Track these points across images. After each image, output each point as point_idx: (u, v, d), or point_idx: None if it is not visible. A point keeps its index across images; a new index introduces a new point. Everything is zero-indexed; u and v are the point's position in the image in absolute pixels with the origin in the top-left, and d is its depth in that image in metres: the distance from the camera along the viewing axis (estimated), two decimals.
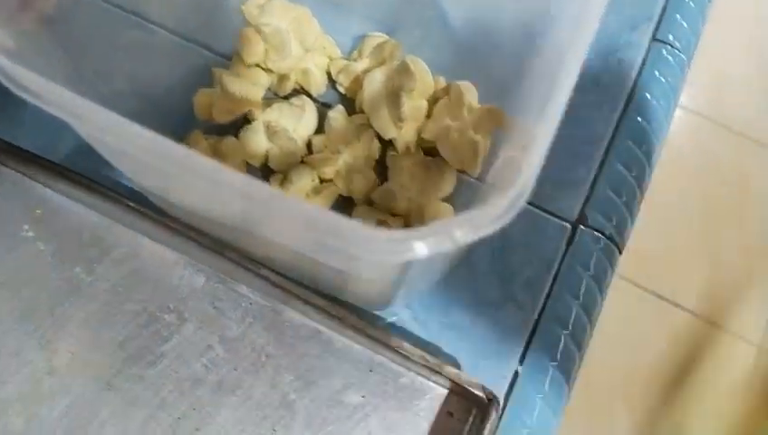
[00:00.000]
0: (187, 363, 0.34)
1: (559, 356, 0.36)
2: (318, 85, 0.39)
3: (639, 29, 0.45)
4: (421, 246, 0.20)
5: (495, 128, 0.37)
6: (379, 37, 0.39)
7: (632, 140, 0.42)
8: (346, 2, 0.42)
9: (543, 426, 0.35)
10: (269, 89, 0.39)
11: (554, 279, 0.38)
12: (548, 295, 0.38)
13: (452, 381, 0.33)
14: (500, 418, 0.34)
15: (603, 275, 0.39)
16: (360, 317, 0.34)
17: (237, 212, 0.28)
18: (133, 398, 0.33)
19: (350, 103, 0.40)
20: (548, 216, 0.39)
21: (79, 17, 0.34)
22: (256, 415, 0.33)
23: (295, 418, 0.33)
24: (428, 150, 0.38)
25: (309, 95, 0.40)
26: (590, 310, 0.38)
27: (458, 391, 0.33)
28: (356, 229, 0.20)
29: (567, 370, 0.37)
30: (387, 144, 0.38)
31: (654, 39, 0.44)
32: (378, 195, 0.37)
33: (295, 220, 0.21)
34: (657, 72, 0.44)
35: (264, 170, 0.38)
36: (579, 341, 0.37)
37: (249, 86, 0.36)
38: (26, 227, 0.36)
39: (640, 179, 0.42)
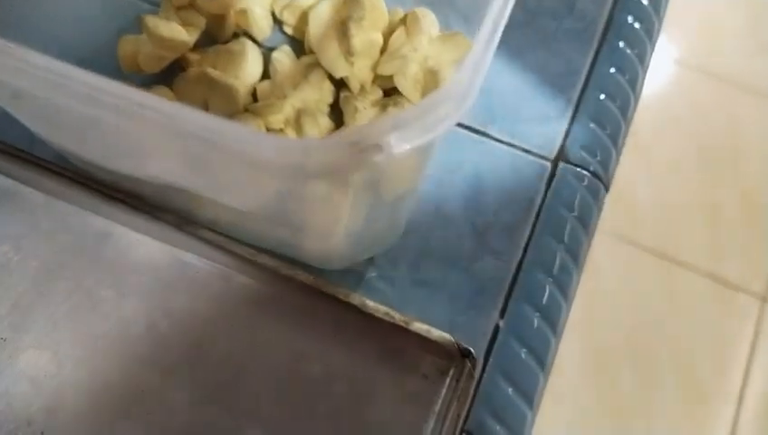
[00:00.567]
0: (130, 344, 0.30)
1: (544, 305, 0.33)
2: (261, 28, 0.35)
3: None
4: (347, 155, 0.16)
5: (459, 57, 0.33)
6: None
7: (614, 66, 0.38)
8: None
9: (529, 383, 0.31)
10: (205, 34, 0.35)
11: (535, 223, 0.34)
12: (528, 241, 0.34)
13: (423, 339, 0.29)
14: (480, 376, 0.30)
15: (588, 214, 0.35)
16: (316, 277, 0.30)
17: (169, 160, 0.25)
18: (74, 383, 0.30)
19: (299, 45, 0.36)
20: (524, 154, 0.36)
21: None
22: (209, 393, 0.30)
23: (254, 395, 0.30)
24: (387, 91, 0.35)
25: (254, 40, 0.36)
26: (576, 254, 0.34)
27: (431, 350, 0.30)
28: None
29: (553, 320, 0.33)
30: (340, 85, 0.34)
31: None
32: None
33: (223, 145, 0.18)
34: None
35: None
36: (565, 288, 0.34)
37: (179, 29, 0.33)
38: None
39: (625, 109, 0.38)
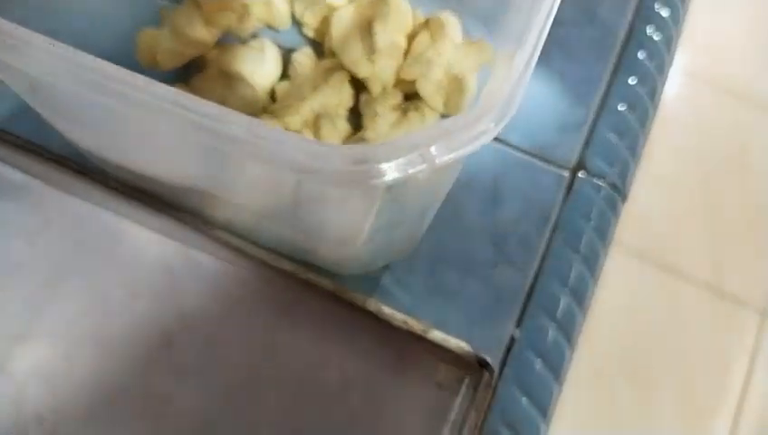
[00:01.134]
0: (141, 345, 0.30)
1: (559, 316, 0.33)
2: (283, 19, 0.35)
3: None
4: (390, 166, 0.16)
5: (483, 65, 0.33)
6: None
7: (634, 77, 0.38)
8: None
9: (544, 394, 0.31)
10: (228, 33, 0.35)
11: (552, 233, 0.34)
12: (546, 251, 0.34)
13: (440, 347, 0.29)
14: (495, 386, 0.30)
15: (606, 225, 0.35)
16: (333, 282, 0.30)
17: (193, 159, 0.25)
18: (86, 384, 0.29)
19: (319, 48, 0.36)
20: (543, 163, 0.36)
21: None
22: (222, 397, 0.29)
23: (265, 399, 0.30)
24: (407, 95, 0.34)
25: (271, 38, 0.36)
26: (592, 264, 0.34)
27: (447, 359, 0.29)
28: (315, 145, 0.17)
29: (569, 331, 0.33)
30: (360, 88, 0.34)
31: None
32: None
33: (253, 144, 0.17)
34: (657, 5, 0.40)
35: None
36: (581, 299, 0.33)
37: (202, 28, 0.32)
38: None
39: (643, 120, 0.38)
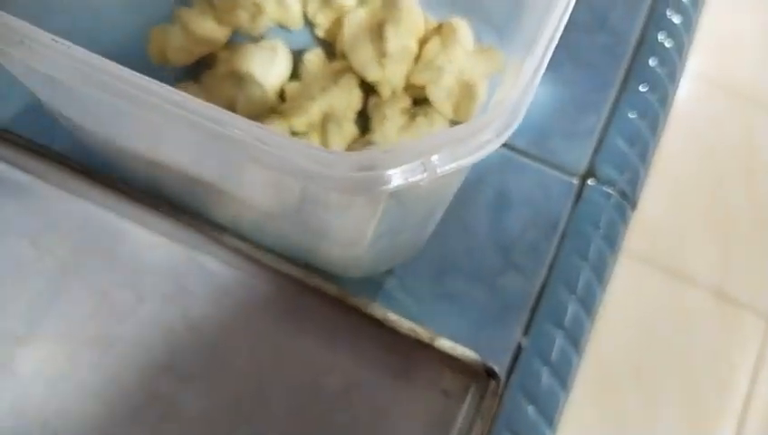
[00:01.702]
0: (146, 348, 0.30)
1: (567, 324, 0.32)
2: (295, 19, 0.35)
3: None
4: (393, 174, 0.16)
5: (493, 72, 0.33)
6: None
7: (645, 84, 0.38)
8: None
9: (551, 400, 0.31)
10: (239, 31, 0.35)
11: (561, 240, 0.34)
12: (554, 258, 0.33)
13: (446, 355, 0.29)
14: (502, 394, 0.30)
15: (615, 233, 0.35)
16: (336, 285, 0.30)
17: (198, 158, 0.25)
18: (87, 385, 0.29)
19: (330, 49, 0.35)
20: (552, 170, 0.35)
21: None
22: (228, 402, 0.29)
23: (271, 408, 0.29)
24: (417, 100, 0.34)
25: (283, 37, 0.35)
26: (601, 272, 0.34)
27: (453, 367, 0.29)
28: (319, 152, 0.16)
29: (576, 339, 0.32)
30: (369, 91, 0.34)
31: None
32: (357, 148, 0.33)
33: (258, 149, 0.17)
34: (668, 11, 0.40)
35: None
36: (589, 307, 0.33)
37: (213, 26, 0.32)
38: None
39: (654, 128, 0.37)
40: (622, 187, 0.36)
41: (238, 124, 0.18)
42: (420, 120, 0.32)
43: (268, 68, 0.33)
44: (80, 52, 0.19)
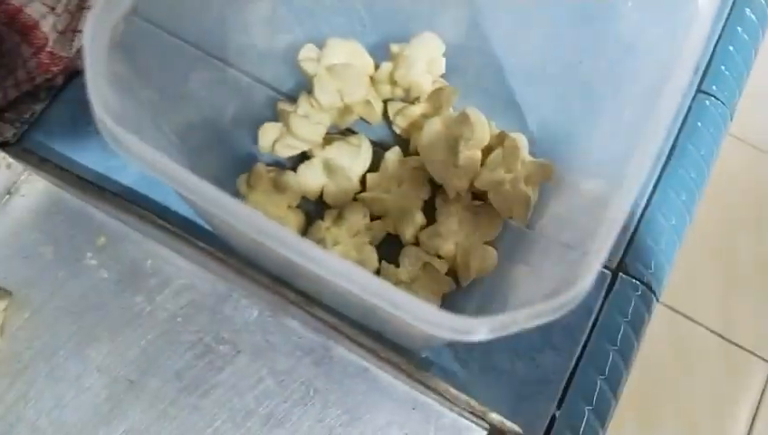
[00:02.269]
0: (239, 394, 0.35)
1: (595, 401, 0.38)
2: (376, 117, 0.41)
3: None
4: (485, 331, 0.21)
5: (543, 181, 0.38)
6: (437, 82, 0.41)
7: (674, 189, 0.43)
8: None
9: None
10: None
11: (593, 326, 0.39)
12: (586, 342, 0.39)
13: (493, 425, 0.34)
14: None
15: (640, 322, 0.40)
16: (406, 358, 0.35)
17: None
18: (188, 426, 0.35)
19: (404, 143, 0.41)
20: None
21: (150, 49, 0.35)
22: None
23: None
24: (476, 195, 0.40)
25: (363, 129, 0.41)
26: (626, 356, 0.39)
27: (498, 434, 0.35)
28: (422, 308, 0.21)
29: (602, 414, 0.38)
30: (437, 185, 0.39)
31: (699, 90, 0.45)
32: (425, 236, 0.38)
33: (357, 288, 0.22)
34: (700, 124, 0.45)
35: (319, 205, 0.40)
36: (614, 386, 0.38)
37: (313, 126, 0.38)
38: (90, 254, 0.38)
39: (680, 228, 0.43)
40: (648, 280, 0.41)
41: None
42: (481, 218, 0.38)
43: (354, 161, 0.39)
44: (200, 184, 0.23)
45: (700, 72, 0.46)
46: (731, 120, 0.46)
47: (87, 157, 0.40)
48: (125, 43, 0.26)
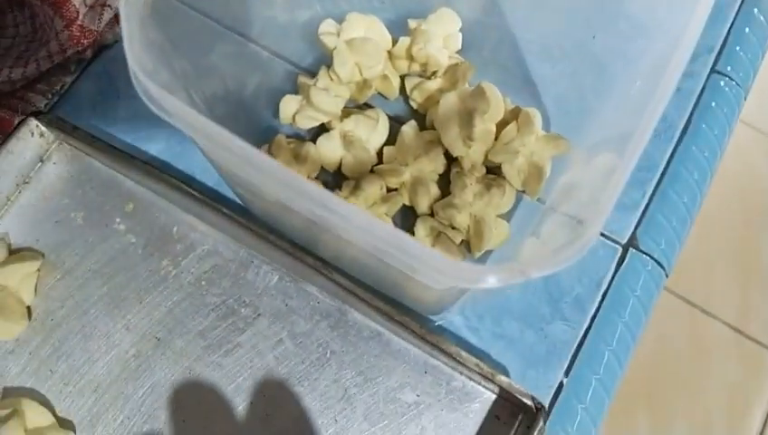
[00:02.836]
0: (260, 354, 0.37)
1: (602, 371, 0.39)
2: (394, 92, 0.42)
3: (700, 60, 0.46)
4: (494, 279, 0.23)
5: (558, 155, 0.39)
6: (453, 57, 0.42)
7: (686, 168, 0.44)
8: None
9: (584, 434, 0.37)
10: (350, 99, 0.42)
11: (603, 298, 0.40)
12: (595, 313, 0.40)
13: (502, 388, 0.35)
14: (545, 425, 0.36)
15: (649, 296, 0.41)
16: (419, 322, 0.37)
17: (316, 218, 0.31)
18: (211, 383, 0.36)
19: (420, 118, 0.42)
20: (601, 238, 0.42)
21: (178, 22, 0.37)
22: (320, 406, 0.36)
23: (355, 411, 0.36)
24: (490, 169, 0.41)
25: (380, 104, 0.42)
26: (634, 330, 0.40)
27: (507, 398, 0.36)
28: (435, 256, 0.23)
29: (608, 384, 0.39)
30: (451, 159, 0.41)
31: (713, 70, 0.46)
32: (440, 207, 0.39)
33: (376, 239, 0.23)
34: (714, 103, 0.46)
35: (337, 176, 0.41)
36: (621, 358, 0.40)
37: (332, 99, 0.39)
38: (118, 220, 0.40)
39: (691, 206, 0.43)
40: (659, 256, 0.42)
41: (360, 220, 0.23)
42: (494, 190, 0.39)
43: (372, 134, 0.40)
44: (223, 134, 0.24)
45: (715, 53, 0.46)
46: (744, 100, 0.47)
47: (115, 128, 0.42)
48: (157, 13, 0.27)
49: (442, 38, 0.41)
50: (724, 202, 1.11)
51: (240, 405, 0.36)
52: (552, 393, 0.38)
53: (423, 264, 0.23)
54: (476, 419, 0.37)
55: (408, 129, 0.40)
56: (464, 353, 0.35)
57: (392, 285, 0.37)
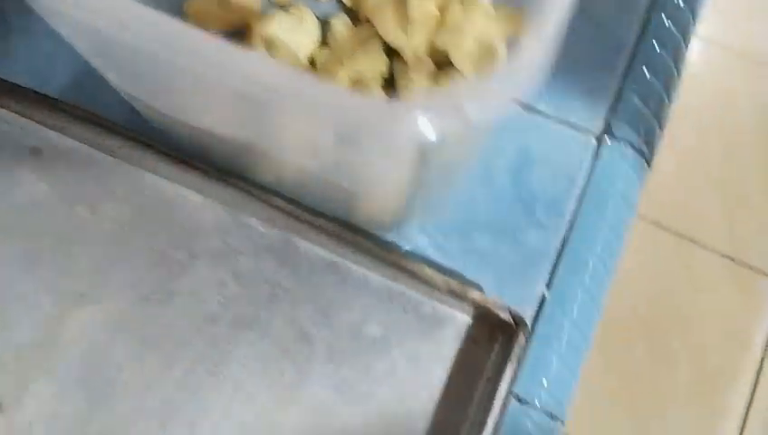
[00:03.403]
0: (202, 301, 0.33)
1: (587, 279, 0.35)
2: None
3: None
4: (425, 121, 0.18)
5: (512, 34, 0.34)
6: None
7: (659, 43, 0.39)
8: None
9: (573, 351, 0.33)
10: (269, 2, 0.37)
11: (580, 198, 0.36)
12: (574, 215, 0.36)
13: (477, 306, 0.31)
14: (527, 342, 0.32)
15: (632, 190, 0.37)
16: (375, 242, 0.32)
17: (243, 111, 0.26)
18: (149, 338, 0.32)
19: (355, 16, 0.37)
20: (570, 130, 0.37)
21: None
22: (276, 350, 0.32)
23: (315, 351, 0.32)
24: (440, 64, 0.36)
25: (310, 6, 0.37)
26: (619, 230, 0.36)
27: (483, 318, 0.32)
28: (362, 101, 0.18)
29: (596, 294, 0.35)
30: (395, 59, 0.36)
31: None
32: None
33: (299, 96, 0.19)
34: None
35: None
36: (608, 263, 0.36)
37: None
38: (27, 167, 0.34)
39: (669, 86, 0.39)
40: (639, 145, 0.37)
41: (276, 70, 0.19)
42: (444, 83, 0.34)
43: (298, 34, 0.35)
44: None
45: None
46: None
47: (12, 61, 0.37)
48: None
49: None
50: (706, 130, 1.07)
51: (185, 360, 0.32)
52: (535, 309, 0.34)
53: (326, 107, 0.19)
54: (452, 346, 0.32)
55: (339, 23, 0.35)
56: (428, 271, 0.31)
57: (340, 205, 0.32)
